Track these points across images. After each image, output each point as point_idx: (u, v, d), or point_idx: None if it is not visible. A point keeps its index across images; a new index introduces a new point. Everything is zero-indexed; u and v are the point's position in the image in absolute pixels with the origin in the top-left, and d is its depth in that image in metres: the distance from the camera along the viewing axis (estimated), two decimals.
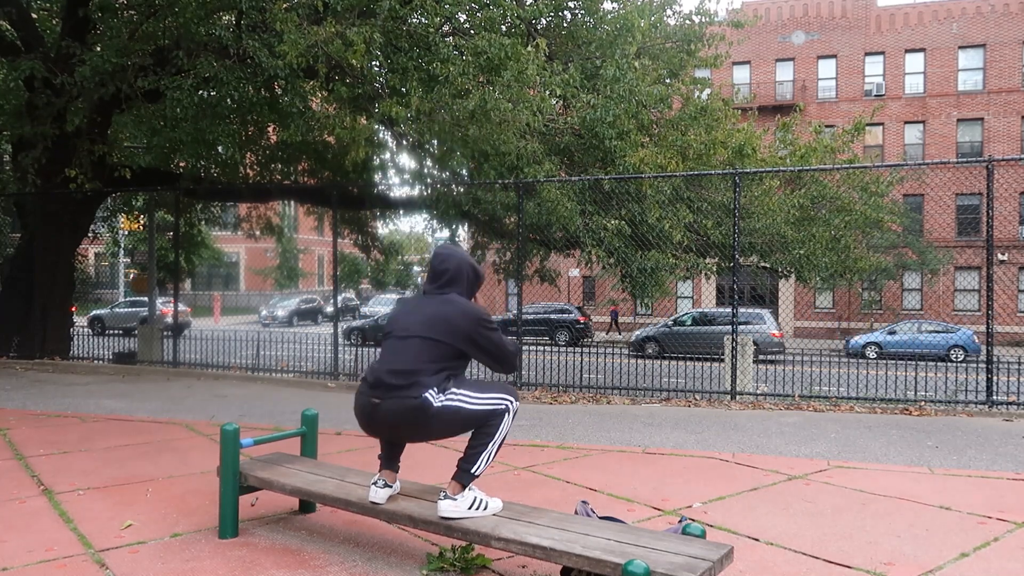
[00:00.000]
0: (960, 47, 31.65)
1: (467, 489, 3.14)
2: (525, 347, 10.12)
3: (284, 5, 9.78)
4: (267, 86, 10.91)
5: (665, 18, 12.99)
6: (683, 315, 23.79)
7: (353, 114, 10.40)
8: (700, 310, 23.41)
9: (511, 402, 3.23)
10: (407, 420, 3.15)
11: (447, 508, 3.10)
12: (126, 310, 27.92)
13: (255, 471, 3.77)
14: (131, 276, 22.63)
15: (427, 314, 3.22)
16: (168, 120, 11.90)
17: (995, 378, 8.11)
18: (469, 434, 3.24)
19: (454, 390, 3.15)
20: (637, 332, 23.44)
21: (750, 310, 21.94)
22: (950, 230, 30.84)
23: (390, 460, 3.40)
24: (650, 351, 21.51)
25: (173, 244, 13.82)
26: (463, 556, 3.31)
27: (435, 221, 14.12)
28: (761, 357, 19.86)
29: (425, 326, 3.19)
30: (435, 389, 3.11)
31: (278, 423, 6.92)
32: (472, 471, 3.15)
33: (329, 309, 35.46)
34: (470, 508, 3.11)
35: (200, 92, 10.69)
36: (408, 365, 3.14)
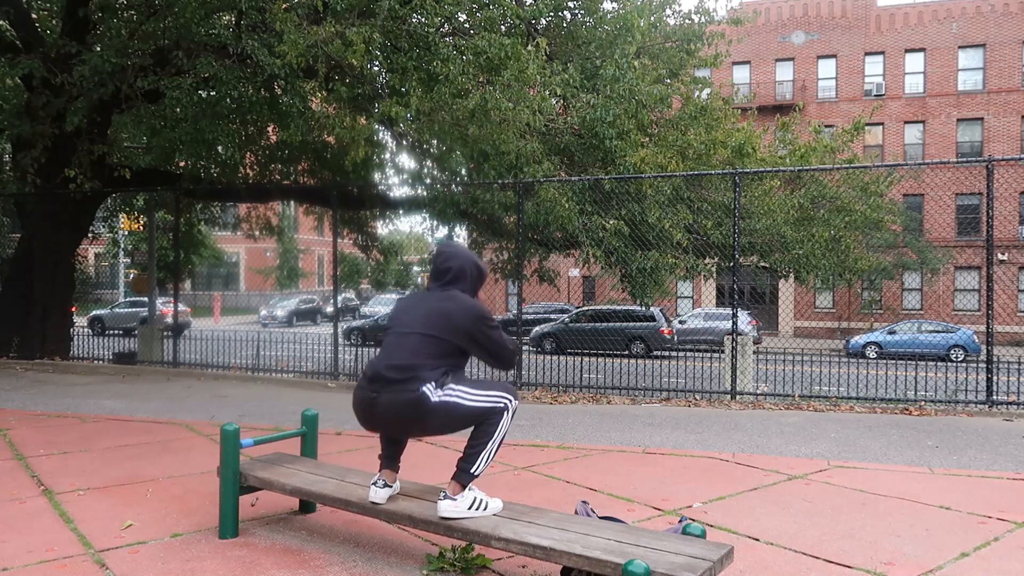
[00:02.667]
0: (960, 47, 31.64)
1: (467, 489, 3.14)
2: (525, 347, 10.11)
3: (284, 5, 9.78)
4: (267, 86, 10.91)
5: (665, 17, 12.97)
6: (582, 311, 23.95)
7: (353, 114, 10.40)
8: (596, 307, 23.47)
9: (510, 400, 3.23)
10: (404, 414, 3.14)
11: (447, 508, 3.09)
12: (126, 310, 27.91)
13: (255, 471, 3.77)
14: (131, 276, 22.61)
15: (427, 310, 3.23)
16: (168, 120, 11.89)
17: (995, 378, 8.11)
18: (469, 433, 3.24)
19: (452, 386, 3.15)
20: (536, 329, 23.63)
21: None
22: (950, 230, 30.83)
23: (391, 459, 3.40)
24: (548, 347, 21.88)
25: (173, 244, 13.81)
26: (463, 556, 3.30)
27: (435, 221, 14.12)
28: (655, 353, 20.00)
29: (425, 322, 3.19)
30: (433, 384, 3.12)
31: (278, 423, 6.92)
32: (472, 471, 3.15)
33: (329, 309, 35.45)
34: (470, 508, 3.11)
35: (200, 92, 10.69)
36: (407, 360, 3.14)
